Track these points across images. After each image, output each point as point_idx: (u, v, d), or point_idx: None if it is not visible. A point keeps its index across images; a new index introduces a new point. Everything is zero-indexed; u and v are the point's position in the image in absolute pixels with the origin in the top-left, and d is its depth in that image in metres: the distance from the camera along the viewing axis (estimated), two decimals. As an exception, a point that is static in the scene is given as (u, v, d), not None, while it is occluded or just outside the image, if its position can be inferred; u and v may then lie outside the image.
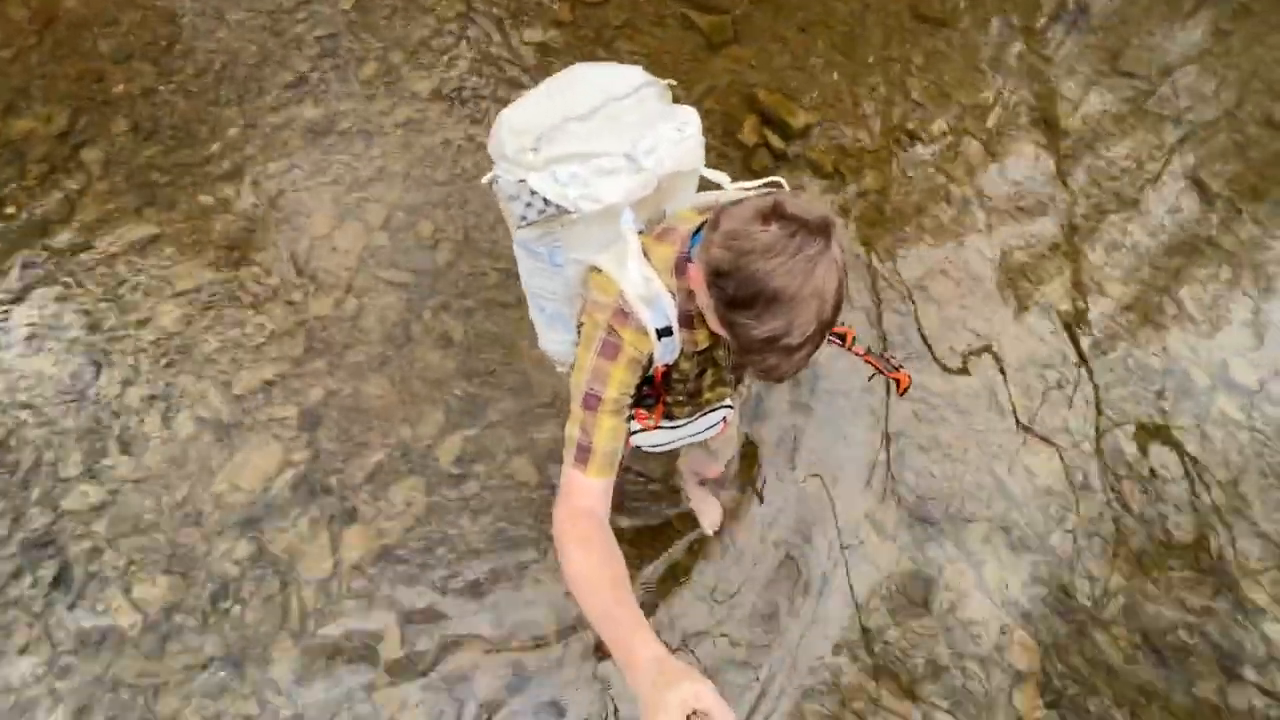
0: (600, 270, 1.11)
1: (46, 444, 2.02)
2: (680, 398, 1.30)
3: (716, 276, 0.93)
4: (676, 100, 1.24)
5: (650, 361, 1.11)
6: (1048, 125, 2.88)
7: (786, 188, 1.14)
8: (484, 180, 1.18)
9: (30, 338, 2.16)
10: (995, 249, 2.59)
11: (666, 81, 1.26)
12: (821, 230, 0.90)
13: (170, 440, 2.05)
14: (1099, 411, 2.36)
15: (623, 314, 1.08)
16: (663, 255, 1.11)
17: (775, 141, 2.71)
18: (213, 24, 2.79)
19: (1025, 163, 2.80)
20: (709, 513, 2.08)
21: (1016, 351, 2.43)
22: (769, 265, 0.88)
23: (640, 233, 1.12)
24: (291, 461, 2.05)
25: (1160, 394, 2.40)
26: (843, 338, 1.31)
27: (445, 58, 2.78)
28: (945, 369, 2.39)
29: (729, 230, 0.92)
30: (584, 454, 1.07)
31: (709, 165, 1.22)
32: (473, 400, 2.17)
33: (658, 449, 1.41)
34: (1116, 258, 2.64)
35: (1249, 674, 2.01)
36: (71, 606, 1.84)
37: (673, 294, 1.08)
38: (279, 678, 1.79)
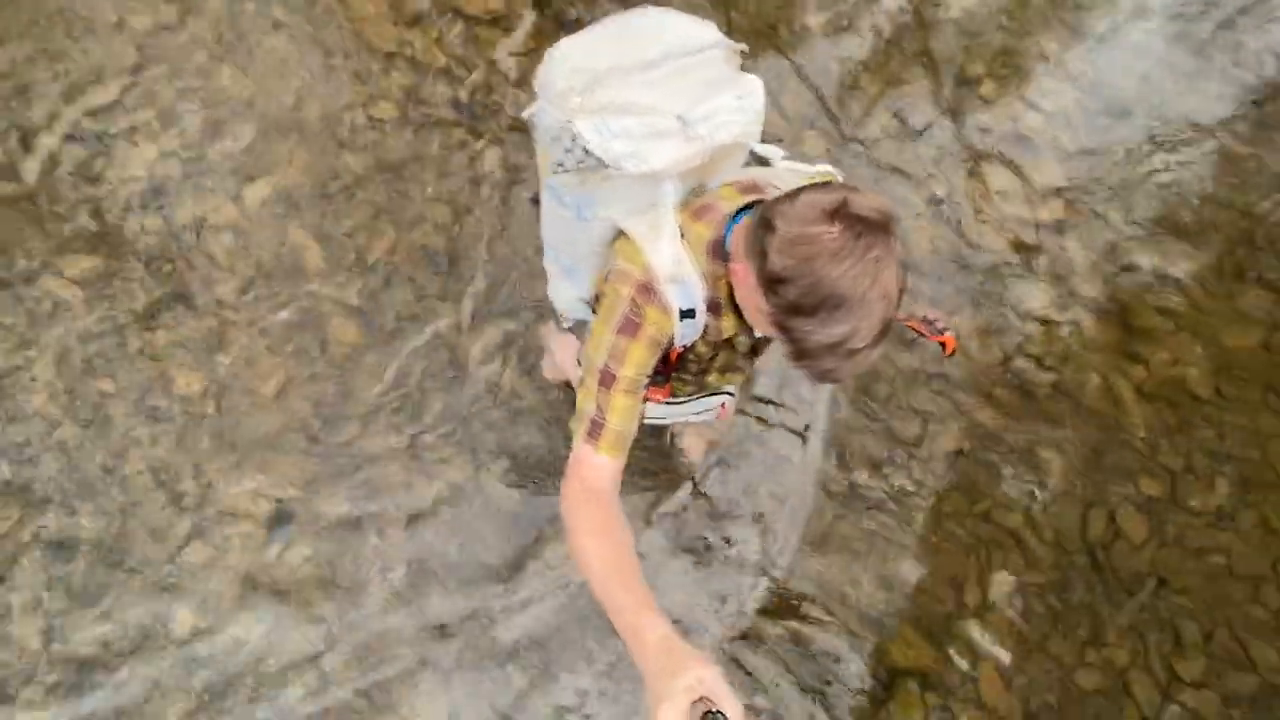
0: (628, 237, 1.06)
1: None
2: (687, 378, 1.27)
3: (775, 284, 0.88)
4: None
5: (670, 342, 1.08)
6: None
7: (839, 176, 1.11)
8: (523, 115, 1.11)
9: None
10: None
11: (740, 46, 1.17)
12: (884, 228, 0.85)
13: (53, 161, 2.16)
14: None
15: (647, 289, 1.03)
16: (698, 234, 1.06)
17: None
18: None
19: None
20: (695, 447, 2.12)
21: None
22: (837, 271, 0.84)
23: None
24: (168, 151, 2.21)
25: None
26: None
27: None
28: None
29: (790, 235, 0.86)
30: (596, 429, 1.04)
31: None
32: (322, 69, 2.35)
33: (649, 423, 1.36)
34: None
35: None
36: (14, 298, 2.03)
37: (703, 276, 1.04)
38: (225, 297, 2.08)
